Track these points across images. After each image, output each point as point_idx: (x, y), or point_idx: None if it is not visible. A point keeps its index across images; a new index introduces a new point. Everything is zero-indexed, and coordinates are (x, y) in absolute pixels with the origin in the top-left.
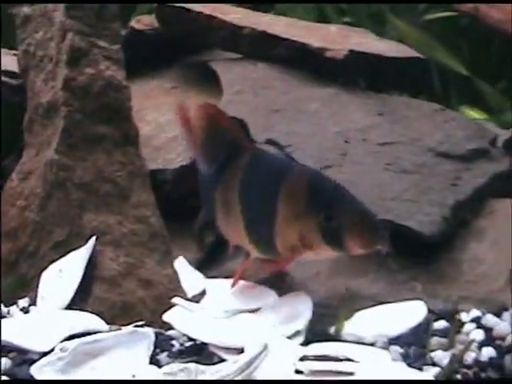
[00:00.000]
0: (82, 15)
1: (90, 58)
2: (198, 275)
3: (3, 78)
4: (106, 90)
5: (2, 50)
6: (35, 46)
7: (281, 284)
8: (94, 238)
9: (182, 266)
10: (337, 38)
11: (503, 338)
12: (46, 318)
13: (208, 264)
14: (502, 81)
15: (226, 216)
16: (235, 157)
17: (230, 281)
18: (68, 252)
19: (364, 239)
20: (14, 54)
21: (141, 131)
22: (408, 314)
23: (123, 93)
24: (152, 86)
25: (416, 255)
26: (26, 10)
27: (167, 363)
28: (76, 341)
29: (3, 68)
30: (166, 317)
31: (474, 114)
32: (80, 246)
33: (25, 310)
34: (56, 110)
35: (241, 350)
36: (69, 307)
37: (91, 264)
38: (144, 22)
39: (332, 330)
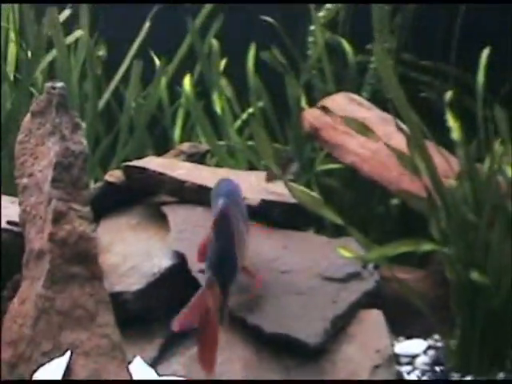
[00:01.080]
0: (63, 186)
1: (67, 218)
2: (150, 372)
3: (9, 226)
4: (78, 241)
5: (11, 199)
6: (30, 207)
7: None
8: (69, 350)
9: (138, 365)
10: (255, 187)
11: None
12: None
13: (160, 361)
14: (373, 233)
15: None
16: None
17: (173, 377)
18: (51, 359)
19: None
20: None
21: (109, 261)
22: None
23: (91, 243)
24: (121, 222)
25: (303, 356)
26: (24, 180)
27: None
28: None
29: (9, 219)
30: None
31: (346, 253)
32: (60, 356)
33: None
34: (43, 255)
35: None
36: None
37: (68, 369)
38: (115, 175)
39: None
